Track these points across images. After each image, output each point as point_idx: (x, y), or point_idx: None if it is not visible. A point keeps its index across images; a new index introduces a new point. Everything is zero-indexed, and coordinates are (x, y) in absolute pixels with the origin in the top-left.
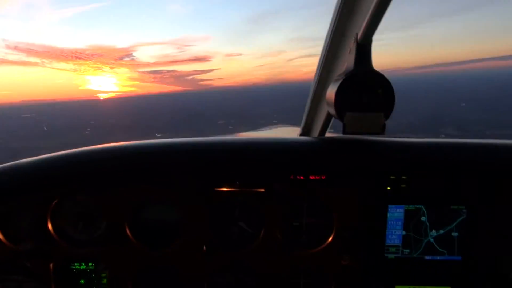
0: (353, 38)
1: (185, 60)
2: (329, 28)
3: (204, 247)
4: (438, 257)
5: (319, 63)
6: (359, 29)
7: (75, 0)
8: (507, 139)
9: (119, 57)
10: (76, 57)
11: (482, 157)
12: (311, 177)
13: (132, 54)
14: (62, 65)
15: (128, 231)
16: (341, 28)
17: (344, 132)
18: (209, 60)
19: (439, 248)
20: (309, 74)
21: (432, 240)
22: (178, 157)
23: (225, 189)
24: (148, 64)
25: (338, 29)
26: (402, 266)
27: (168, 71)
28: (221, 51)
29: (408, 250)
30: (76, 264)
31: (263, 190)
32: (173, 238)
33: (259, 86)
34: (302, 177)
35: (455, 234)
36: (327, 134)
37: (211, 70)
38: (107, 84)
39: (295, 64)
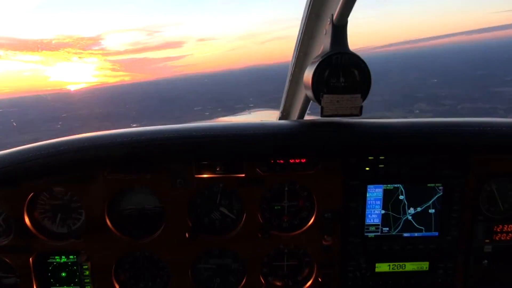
0: (329, 20)
1: (156, 47)
2: (304, 9)
3: (187, 234)
4: (416, 234)
5: (295, 46)
6: (334, 11)
7: None
8: (477, 112)
9: (87, 46)
10: (42, 48)
11: (455, 134)
12: (291, 161)
13: (100, 42)
14: (28, 56)
15: (108, 222)
16: (316, 9)
17: (322, 115)
18: (181, 46)
19: (417, 225)
20: (283, 56)
21: (410, 217)
22: (157, 145)
23: (205, 175)
24: (118, 52)
25: (313, 11)
26: (381, 244)
27: (140, 58)
28: (193, 36)
29: (387, 229)
30: (56, 257)
31: (243, 175)
32: (155, 226)
33: (232, 70)
34: (282, 161)
35: (432, 211)
36: (306, 117)
37: (183, 56)
38: (76, 74)
39: (268, 46)
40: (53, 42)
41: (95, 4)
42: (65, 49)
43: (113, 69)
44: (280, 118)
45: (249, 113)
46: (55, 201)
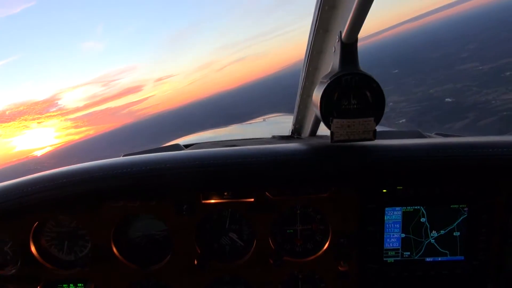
0: (337, 37)
1: (116, 95)
2: (312, 24)
3: (196, 261)
4: (439, 258)
5: (305, 59)
6: (343, 28)
7: None
8: (451, 93)
9: (44, 110)
10: None
11: (482, 157)
12: None
13: (57, 103)
14: None
15: (115, 250)
16: (324, 25)
17: (332, 141)
18: (141, 90)
19: (440, 249)
20: (243, 78)
21: (433, 241)
22: (161, 171)
23: (213, 201)
24: (77, 109)
25: (321, 26)
26: (402, 269)
27: (101, 110)
28: (150, 77)
29: (408, 253)
30: (64, 285)
31: (253, 199)
32: (163, 254)
33: (196, 101)
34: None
35: (456, 233)
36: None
37: (145, 99)
38: (40, 139)
39: (226, 72)
40: (7, 113)
41: (40, 66)
42: (22, 117)
43: (76, 126)
44: (292, 131)
45: (264, 120)
46: (62, 228)
